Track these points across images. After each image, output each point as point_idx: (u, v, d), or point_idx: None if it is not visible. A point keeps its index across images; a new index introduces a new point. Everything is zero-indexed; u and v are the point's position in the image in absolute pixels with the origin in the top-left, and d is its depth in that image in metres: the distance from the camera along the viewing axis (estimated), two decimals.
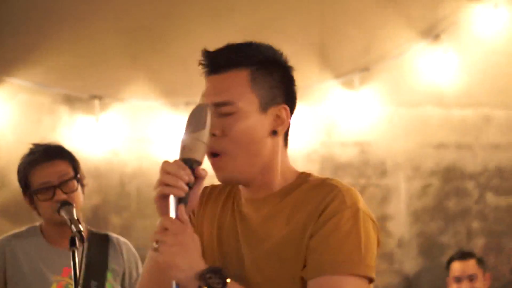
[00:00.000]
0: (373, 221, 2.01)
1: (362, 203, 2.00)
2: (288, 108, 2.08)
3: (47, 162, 3.39)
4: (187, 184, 1.91)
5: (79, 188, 3.41)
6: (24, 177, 3.42)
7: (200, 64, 2.09)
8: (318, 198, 1.99)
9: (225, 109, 2.02)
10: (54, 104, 5.76)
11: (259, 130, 2.04)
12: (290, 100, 2.11)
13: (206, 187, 2.22)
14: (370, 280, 1.97)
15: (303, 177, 2.10)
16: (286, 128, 2.09)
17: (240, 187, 2.13)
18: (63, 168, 3.39)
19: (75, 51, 5.82)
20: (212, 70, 2.08)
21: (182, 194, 1.90)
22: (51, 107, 5.75)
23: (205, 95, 2.07)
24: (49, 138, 3.71)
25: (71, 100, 5.77)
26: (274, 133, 2.06)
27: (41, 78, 5.72)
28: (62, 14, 5.84)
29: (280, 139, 2.09)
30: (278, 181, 2.08)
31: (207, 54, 2.09)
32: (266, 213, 2.06)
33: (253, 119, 2.03)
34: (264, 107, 2.05)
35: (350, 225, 1.94)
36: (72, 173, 3.40)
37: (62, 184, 3.35)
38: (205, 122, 1.95)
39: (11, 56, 5.71)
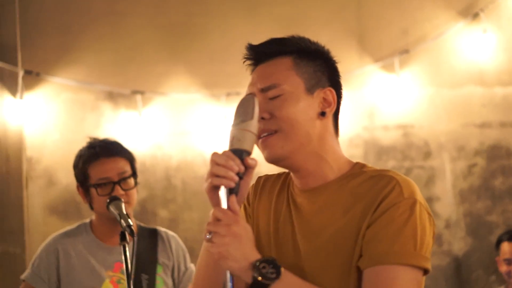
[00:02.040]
0: (429, 214, 2.02)
1: (419, 195, 2.00)
2: (334, 91, 2.11)
3: (108, 158, 3.44)
4: (237, 174, 1.92)
5: (135, 186, 3.46)
6: (83, 170, 3.46)
7: (245, 58, 2.14)
8: (376, 189, 2.00)
9: (271, 92, 2.06)
10: (97, 101, 5.82)
11: (307, 111, 2.06)
12: (335, 85, 2.14)
13: (260, 177, 2.26)
14: (425, 271, 1.98)
15: (358, 167, 2.11)
16: (333, 110, 2.11)
17: (293, 177, 2.14)
18: (123, 165, 3.45)
19: (115, 48, 5.87)
20: (257, 61, 2.14)
21: (233, 185, 1.91)
22: (94, 104, 5.82)
23: (251, 84, 2.11)
24: (94, 135, 3.74)
25: (113, 96, 5.82)
26: (322, 114, 2.08)
27: (83, 76, 5.79)
28: (99, 12, 5.90)
29: (329, 123, 2.12)
30: (332, 170, 2.09)
31: (251, 47, 2.14)
32: (322, 203, 2.07)
33: (300, 100, 2.06)
34: (310, 89, 2.08)
35: (407, 217, 1.95)
36: (130, 171, 3.46)
37: (122, 181, 3.40)
38: (253, 112, 1.97)
39: (53, 56, 5.79)
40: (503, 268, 5.12)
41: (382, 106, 5.94)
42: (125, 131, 5.73)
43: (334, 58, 2.17)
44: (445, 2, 6.01)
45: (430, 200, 5.83)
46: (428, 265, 1.97)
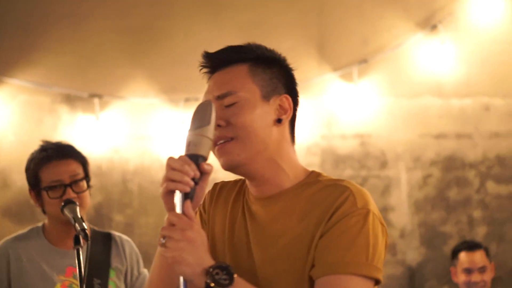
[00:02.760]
0: (383, 224, 2.03)
1: (373, 205, 2.02)
2: (290, 98, 2.12)
3: (60, 160, 3.41)
4: (193, 180, 1.92)
5: (88, 189, 3.44)
6: (34, 173, 3.44)
7: (202, 66, 2.15)
8: (331, 199, 2.00)
9: (227, 100, 2.06)
10: (54, 104, 5.77)
11: (263, 118, 2.07)
12: (291, 92, 2.15)
13: (216, 184, 2.26)
14: (377, 282, 1.99)
15: (314, 176, 2.12)
16: (290, 117, 2.12)
17: (248, 185, 2.15)
18: (75, 168, 3.43)
19: (74, 50, 5.83)
20: (213, 69, 2.14)
21: (188, 189, 1.91)
22: (51, 106, 5.77)
23: (207, 91, 2.11)
24: (50, 137, 3.71)
25: (71, 99, 5.78)
26: (278, 121, 2.09)
27: (40, 78, 5.74)
28: (60, 13, 5.85)
29: (285, 131, 2.12)
30: (288, 178, 2.10)
31: (207, 55, 2.14)
32: (277, 212, 2.07)
33: (256, 107, 2.07)
34: (266, 96, 2.09)
35: (359, 227, 1.96)
36: (82, 174, 3.44)
37: (73, 184, 3.38)
38: (209, 118, 1.97)
39: (10, 57, 5.73)
40: (461, 277, 5.14)
41: (340, 115, 5.96)
42: (82, 134, 5.69)
43: (291, 66, 2.18)
44: (404, 13, 6.05)
45: (385, 209, 5.86)
46: (380, 276, 1.98)
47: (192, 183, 1.91)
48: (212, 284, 1.85)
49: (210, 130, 1.97)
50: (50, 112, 5.76)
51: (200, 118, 1.98)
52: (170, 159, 1.93)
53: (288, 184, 2.09)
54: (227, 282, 1.87)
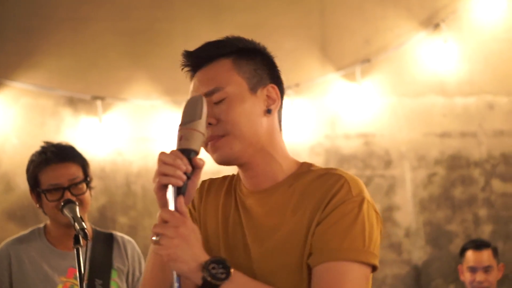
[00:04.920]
0: (377, 212, 2.05)
1: (367, 193, 2.03)
2: (276, 87, 2.12)
3: (59, 164, 3.41)
4: (185, 174, 1.91)
5: (87, 190, 3.43)
6: (34, 175, 3.43)
7: (183, 65, 2.13)
8: (325, 187, 2.01)
9: (215, 96, 2.05)
10: (57, 107, 5.77)
11: (253, 111, 2.06)
12: (276, 80, 2.14)
13: (204, 181, 2.24)
14: (374, 268, 2.00)
15: (306, 166, 2.12)
16: (278, 106, 2.12)
17: (242, 178, 2.14)
18: (74, 170, 3.42)
19: (76, 53, 5.83)
20: (195, 67, 2.12)
21: (180, 183, 1.90)
22: (54, 109, 5.77)
23: (193, 90, 2.10)
24: (53, 140, 3.70)
25: (73, 102, 5.78)
26: (268, 111, 2.08)
27: (43, 81, 5.74)
28: (61, 17, 5.86)
29: (274, 120, 2.12)
30: (281, 170, 2.10)
31: (188, 54, 2.12)
32: (272, 205, 2.07)
33: (245, 101, 2.05)
34: (252, 88, 2.08)
35: (355, 214, 1.97)
36: (82, 176, 3.43)
37: (72, 187, 3.38)
38: (201, 112, 1.96)
39: (12, 60, 5.73)
40: (467, 276, 5.13)
41: (343, 115, 5.95)
42: (85, 137, 5.68)
43: (271, 54, 2.17)
44: (407, 12, 6.05)
45: (390, 209, 5.85)
46: (376, 262, 1.99)
47: (184, 177, 1.91)
48: (210, 279, 1.85)
49: (202, 124, 1.96)
50: (53, 115, 5.76)
51: (191, 112, 1.97)
52: (162, 154, 1.93)
53: (281, 176, 2.09)
54: (224, 275, 1.86)
